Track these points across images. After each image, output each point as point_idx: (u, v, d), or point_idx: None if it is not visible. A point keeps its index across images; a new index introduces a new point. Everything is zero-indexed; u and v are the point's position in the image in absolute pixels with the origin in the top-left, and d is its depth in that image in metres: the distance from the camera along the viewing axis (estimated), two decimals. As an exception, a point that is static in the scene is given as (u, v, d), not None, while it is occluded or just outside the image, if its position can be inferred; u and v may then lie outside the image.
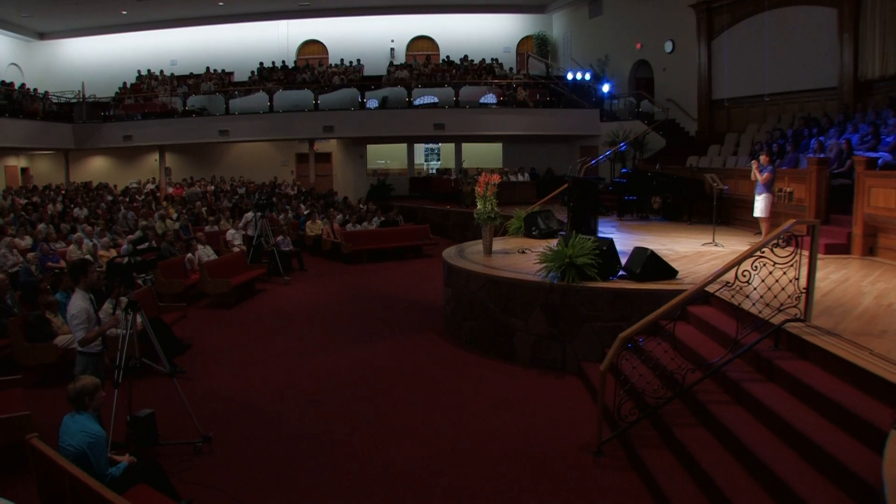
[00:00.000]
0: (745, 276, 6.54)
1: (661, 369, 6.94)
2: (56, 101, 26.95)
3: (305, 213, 21.25)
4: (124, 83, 29.34)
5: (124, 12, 28.18)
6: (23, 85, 26.50)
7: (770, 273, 6.52)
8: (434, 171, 29.78)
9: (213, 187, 26.64)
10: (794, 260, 6.49)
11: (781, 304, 6.59)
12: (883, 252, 10.86)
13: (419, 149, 31.69)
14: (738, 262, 6.56)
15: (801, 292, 6.55)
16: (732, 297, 7.10)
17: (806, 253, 6.60)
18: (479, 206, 11.24)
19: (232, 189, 26.27)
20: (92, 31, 30.60)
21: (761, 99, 19.11)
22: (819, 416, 5.37)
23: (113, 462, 5.39)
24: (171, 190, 26.58)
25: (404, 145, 29.01)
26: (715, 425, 5.94)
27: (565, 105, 25.78)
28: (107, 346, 7.01)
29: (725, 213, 15.63)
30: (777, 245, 6.51)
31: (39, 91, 26.71)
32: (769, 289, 6.69)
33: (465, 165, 28.05)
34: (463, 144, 28.17)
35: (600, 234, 13.83)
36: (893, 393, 4.93)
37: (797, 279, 6.57)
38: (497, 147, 29.69)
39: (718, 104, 21.15)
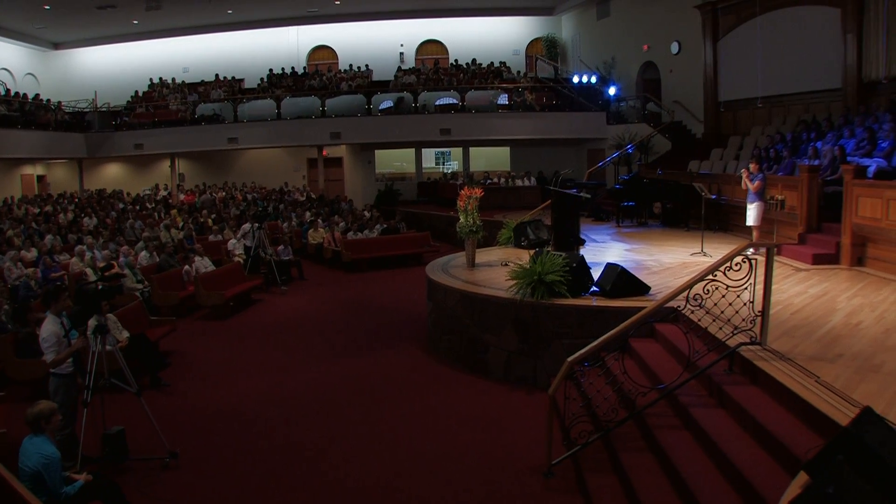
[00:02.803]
0: (696, 300, 6.50)
1: (618, 389, 6.93)
2: (70, 110, 27.39)
3: (308, 220, 21.36)
4: (136, 91, 29.64)
5: (135, 21, 28.45)
6: (37, 95, 26.92)
7: (723, 297, 6.47)
8: (448, 172, 29.75)
9: (223, 193, 26.89)
10: (748, 283, 6.42)
11: (735, 328, 6.56)
12: (871, 262, 10.70)
13: (431, 152, 31.78)
14: (689, 286, 6.52)
15: (756, 315, 6.48)
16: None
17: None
18: (461, 220, 11.25)
19: (244, 196, 26.42)
20: (105, 41, 30.93)
21: (765, 100, 18.91)
22: (758, 446, 5.34)
23: (70, 480, 5.56)
24: (182, 197, 26.85)
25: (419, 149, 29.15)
26: (660, 451, 5.93)
27: (572, 108, 25.60)
28: (78, 367, 7.18)
29: (724, 219, 15.52)
30: (730, 269, 6.44)
31: (55, 100, 27.14)
32: (722, 312, 6.66)
33: (473, 168, 28.13)
34: (472, 147, 28.17)
35: (595, 243, 13.91)
36: (828, 425, 4.88)
37: (752, 302, 6.50)
38: (506, 149, 29.66)
39: (724, 106, 20.97)
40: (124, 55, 31.61)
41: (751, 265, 6.42)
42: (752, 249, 6.74)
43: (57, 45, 31.41)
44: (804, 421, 5.25)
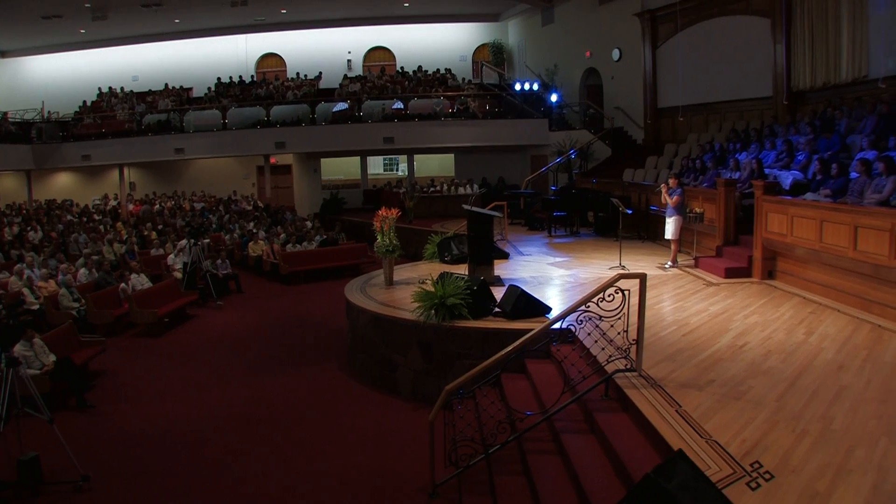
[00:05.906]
0: (571, 330, 6.70)
1: (507, 409, 7.12)
2: (17, 120, 27.09)
3: (248, 231, 21.37)
4: (84, 101, 29.38)
5: (83, 31, 28.24)
6: (-20, 106, 26.68)
7: (596, 327, 6.68)
8: (395, 179, 29.86)
9: (172, 203, 26.77)
10: (621, 313, 6.62)
11: (612, 353, 6.77)
12: (781, 276, 11.01)
13: (379, 158, 31.92)
14: (562, 318, 6.72)
15: (631, 344, 6.69)
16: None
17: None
18: (378, 240, 11.42)
19: (191, 206, 26.28)
20: (53, 49, 30.62)
21: (703, 108, 19.28)
22: (615, 475, 5.55)
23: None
24: (131, 207, 26.66)
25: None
26: (530, 476, 6.14)
27: (515, 115, 25.71)
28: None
29: (652, 229, 15.79)
30: (602, 300, 6.64)
31: (2, 109, 26.87)
32: (596, 341, 6.88)
33: (426, 173, 28.28)
34: (419, 155, 28.32)
35: (521, 255, 14.14)
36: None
37: (626, 331, 6.70)
38: (451, 156, 29.93)
39: (663, 112, 21.31)
40: (73, 63, 31.34)
41: (623, 296, 6.62)
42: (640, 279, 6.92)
43: (3, 53, 31.10)
44: (658, 451, 5.46)
